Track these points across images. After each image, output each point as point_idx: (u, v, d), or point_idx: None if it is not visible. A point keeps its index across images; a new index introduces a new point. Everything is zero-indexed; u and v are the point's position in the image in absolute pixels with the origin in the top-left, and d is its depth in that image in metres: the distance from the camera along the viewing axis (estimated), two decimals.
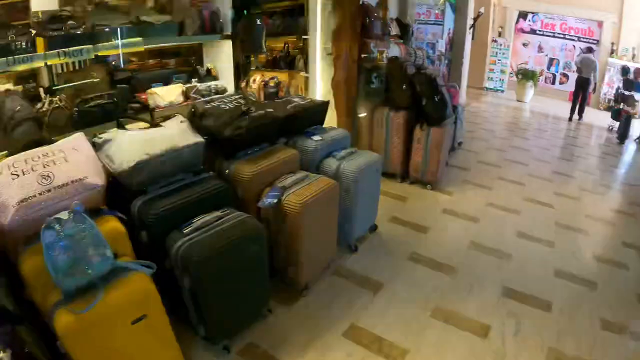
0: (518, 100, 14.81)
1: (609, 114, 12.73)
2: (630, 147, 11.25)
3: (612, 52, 15.75)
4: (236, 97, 3.90)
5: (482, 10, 11.85)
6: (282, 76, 6.99)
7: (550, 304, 4.01)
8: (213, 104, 3.70)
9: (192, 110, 3.65)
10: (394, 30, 7.52)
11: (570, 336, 3.66)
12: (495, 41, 15.37)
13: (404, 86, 5.78)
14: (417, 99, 5.77)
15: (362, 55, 6.05)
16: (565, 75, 15.94)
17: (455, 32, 11.43)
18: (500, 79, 15.74)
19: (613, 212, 6.59)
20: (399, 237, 4.83)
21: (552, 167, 8.08)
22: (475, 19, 11.71)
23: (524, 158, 8.26)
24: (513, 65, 15.90)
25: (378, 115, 6.00)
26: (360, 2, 6.14)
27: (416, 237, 4.87)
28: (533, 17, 16.71)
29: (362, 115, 6.14)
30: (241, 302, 3.12)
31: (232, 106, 3.66)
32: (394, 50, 6.92)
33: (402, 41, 7.62)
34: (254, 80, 6.62)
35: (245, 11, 6.24)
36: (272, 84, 6.55)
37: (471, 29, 11.64)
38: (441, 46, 10.84)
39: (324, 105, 4.57)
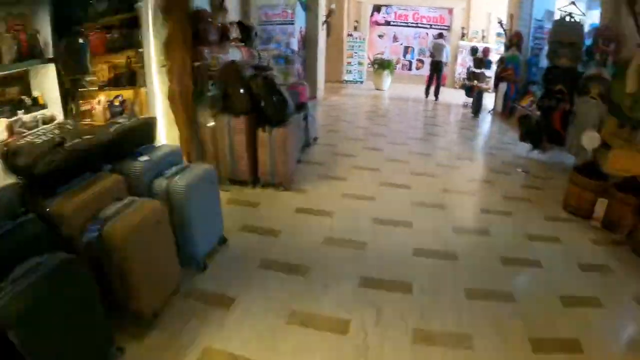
0: (377, 89, 15.34)
1: (463, 92, 13.61)
2: (485, 119, 12.14)
3: (463, 35, 17.07)
4: (52, 127, 3.58)
5: (333, 6, 12.08)
6: (127, 93, 6.55)
7: (410, 285, 4.05)
8: (27, 138, 3.35)
9: (5, 149, 3.25)
10: (235, 33, 7.34)
11: (435, 313, 3.73)
12: (351, 35, 15.76)
13: (242, 90, 5.61)
14: (256, 102, 5.63)
15: (196, 64, 5.80)
16: (421, 61, 16.89)
17: (307, 30, 11.51)
18: (358, 71, 16.20)
19: (470, 182, 6.94)
20: (251, 246, 4.64)
21: (409, 148, 8.40)
22: (327, 16, 11.87)
23: (381, 144, 8.50)
24: (370, 57, 16.34)
25: (219, 123, 5.78)
26: (194, 9, 5.91)
27: (268, 242, 4.72)
28: (387, 9, 17.52)
29: (210, 124, 5.89)
30: (79, 351, 2.78)
31: (45, 139, 3.30)
32: (235, 54, 6.76)
33: (243, 44, 7.46)
34: (99, 102, 6.17)
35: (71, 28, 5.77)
36: (117, 102, 6.10)
37: (324, 26, 11.78)
38: (294, 45, 10.82)
39: (151, 122, 4.28)
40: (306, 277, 4.13)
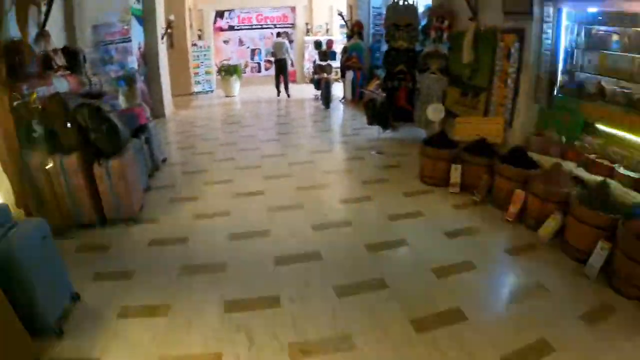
0: (227, 96, 15.04)
1: (313, 86, 13.87)
2: (336, 108, 12.40)
3: (307, 31, 17.42)
4: None
5: (172, 17, 11.51)
6: None
7: (278, 298, 3.86)
8: None
9: None
10: (60, 61, 6.66)
11: (308, 320, 3.57)
12: (196, 45, 15.23)
13: (68, 124, 5.06)
14: (86, 135, 5.10)
15: (15, 103, 5.13)
16: (270, 62, 16.70)
17: (146, 45, 10.88)
18: (207, 80, 15.76)
19: (327, 174, 6.90)
20: (106, 296, 4.07)
21: (262, 152, 8.20)
22: (166, 28, 11.32)
23: (232, 153, 8.18)
24: (217, 64, 15.94)
25: (51, 164, 5.13)
26: (9, 40, 5.25)
27: (124, 287, 4.19)
28: (230, 14, 17.32)
29: (49, 166, 5.20)
30: None
31: None
32: (62, 84, 6.13)
33: (70, 72, 6.81)
34: None
35: None
36: None
37: (164, 38, 11.24)
38: (134, 63, 10.07)
39: None
40: (169, 316, 3.74)
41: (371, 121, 8.00)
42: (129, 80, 9.05)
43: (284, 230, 5.10)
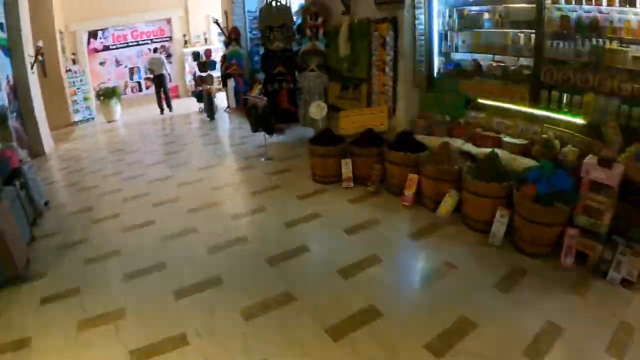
0: (109, 122, 13.79)
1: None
2: (222, 119, 12.00)
3: (185, 42, 16.74)
4: None
5: (40, 43, 10.39)
6: None
7: (184, 335, 3.46)
8: None
9: None
10: None
11: (219, 354, 3.24)
12: (70, 70, 13.88)
13: None
14: None
15: None
16: (150, 79, 15.44)
17: (15, 77, 9.65)
18: (87, 107, 14.26)
19: (216, 190, 6.49)
20: None
21: (148, 177, 7.51)
22: (35, 55, 10.23)
23: (117, 184, 7.38)
24: (96, 88, 14.80)
25: None
26: None
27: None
28: (103, 33, 16.09)
29: None
30: None
31: None
32: None
33: None
34: None
35: None
36: None
37: (34, 67, 10.16)
38: (3, 99, 8.87)
39: None
40: None
41: (255, 128, 7.71)
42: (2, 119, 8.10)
43: (179, 259, 4.63)
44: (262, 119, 7.59)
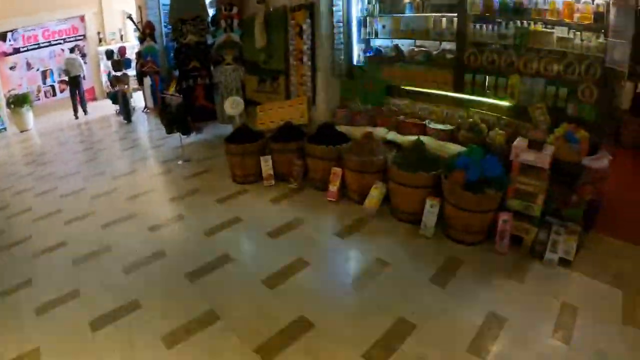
0: (22, 131, 12.48)
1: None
2: (140, 120, 11.28)
3: (100, 40, 15.66)
4: None
5: None
6: None
7: None
8: None
9: None
10: None
11: None
12: None
13: None
14: None
15: None
16: (65, 82, 14.35)
17: None
18: None
19: (131, 200, 5.94)
20: None
21: (61, 191, 6.75)
22: None
23: (29, 201, 6.57)
24: (6, 95, 13.65)
25: None
26: None
27: None
28: (12, 35, 14.64)
29: None
30: None
31: None
32: None
33: None
34: None
35: None
36: None
37: None
38: None
39: None
40: None
41: (170, 129, 7.18)
42: None
43: (94, 284, 4.06)
44: (176, 119, 7.11)
